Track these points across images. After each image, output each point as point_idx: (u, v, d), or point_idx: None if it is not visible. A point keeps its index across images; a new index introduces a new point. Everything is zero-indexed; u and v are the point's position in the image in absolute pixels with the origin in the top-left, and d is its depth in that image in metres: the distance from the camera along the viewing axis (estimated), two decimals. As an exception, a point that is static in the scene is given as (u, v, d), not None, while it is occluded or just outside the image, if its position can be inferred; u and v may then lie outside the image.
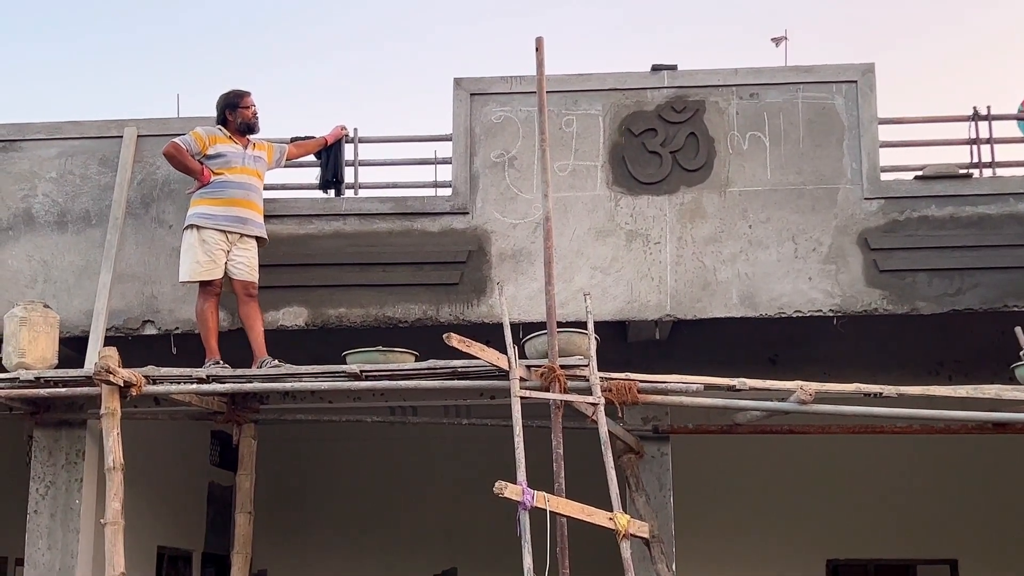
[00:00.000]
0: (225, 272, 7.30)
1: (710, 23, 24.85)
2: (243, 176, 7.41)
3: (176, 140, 7.34)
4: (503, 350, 6.24)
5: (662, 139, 7.66)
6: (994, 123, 8.01)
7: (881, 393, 6.54)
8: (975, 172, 7.87)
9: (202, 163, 7.34)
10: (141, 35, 26.24)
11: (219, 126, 7.48)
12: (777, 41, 8.65)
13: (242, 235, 7.33)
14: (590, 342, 6.50)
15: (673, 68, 7.78)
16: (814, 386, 6.48)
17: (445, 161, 7.97)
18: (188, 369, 6.94)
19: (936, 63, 25.49)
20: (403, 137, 8.31)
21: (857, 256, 7.48)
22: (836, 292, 7.45)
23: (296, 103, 25.27)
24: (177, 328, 7.69)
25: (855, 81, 7.66)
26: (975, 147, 7.99)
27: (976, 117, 7.97)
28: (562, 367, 6.37)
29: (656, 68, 7.78)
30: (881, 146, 7.65)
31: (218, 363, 7.12)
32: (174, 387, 6.90)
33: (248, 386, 6.95)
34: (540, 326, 6.66)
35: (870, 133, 7.59)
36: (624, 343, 7.98)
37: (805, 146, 7.61)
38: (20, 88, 26.40)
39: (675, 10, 25.28)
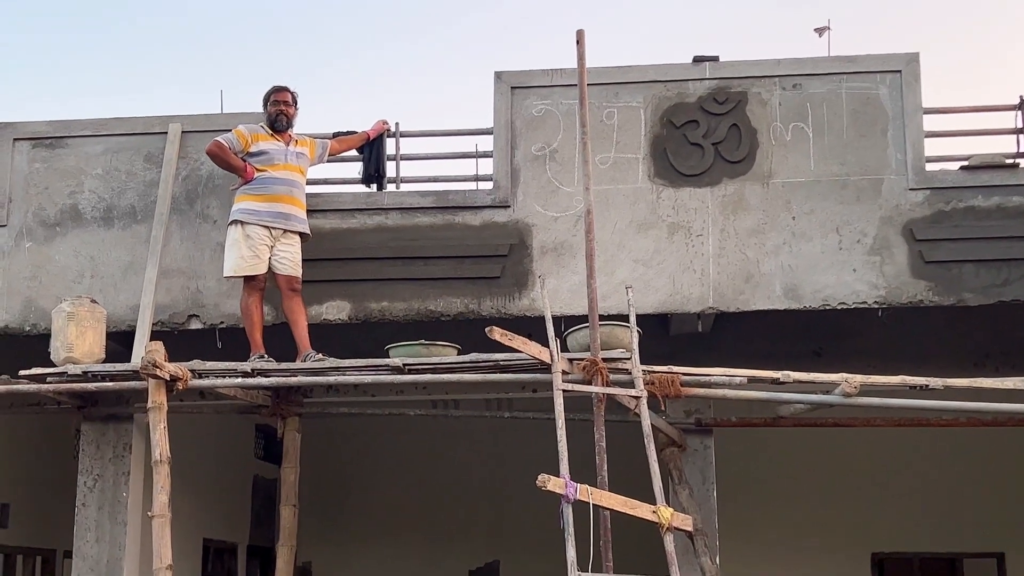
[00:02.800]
0: (269, 267, 7.35)
1: (752, 14, 24.68)
2: (286, 172, 7.47)
3: (219, 138, 7.40)
4: (545, 343, 6.24)
5: (704, 131, 7.62)
6: (1041, 112, 7.90)
7: (927, 385, 6.48)
8: (1022, 162, 7.77)
9: (245, 160, 7.40)
10: (184, 30, 26.44)
11: (261, 124, 7.55)
12: (820, 31, 8.56)
13: (285, 231, 7.39)
14: (632, 335, 6.49)
15: (715, 59, 7.74)
16: (859, 379, 6.43)
17: (486, 155, 7.98)
18: (233, 363, 6.99)
19: (982, 51, 25.18)
20: (444, 131, 8.31)
21: (902, 247, 7.41)
22: (881, 284, 7.38)
23: (338, 98, 25.38)
24: (222, 322, 7.76)
25: (899, 71, 7.58)
26: (1022, 136, 7.88)
27: (1022, 106, 7.86)
28: (604, 360, 6.36)
29: (698, 59, 7.74)
30: (926, 136, 7.57)
31: (263, 357, 7.17)
32: (219, 381, 6.96)
33: (292, 380, 6.99)
34: (582, 319, 6.66)
35: (915, 123, 7.51)
36: (666, 336, 7.95)
37: (849, 136, 7.55)
38: (66, 85, 26.70)
39: (717, 1, 25.13)
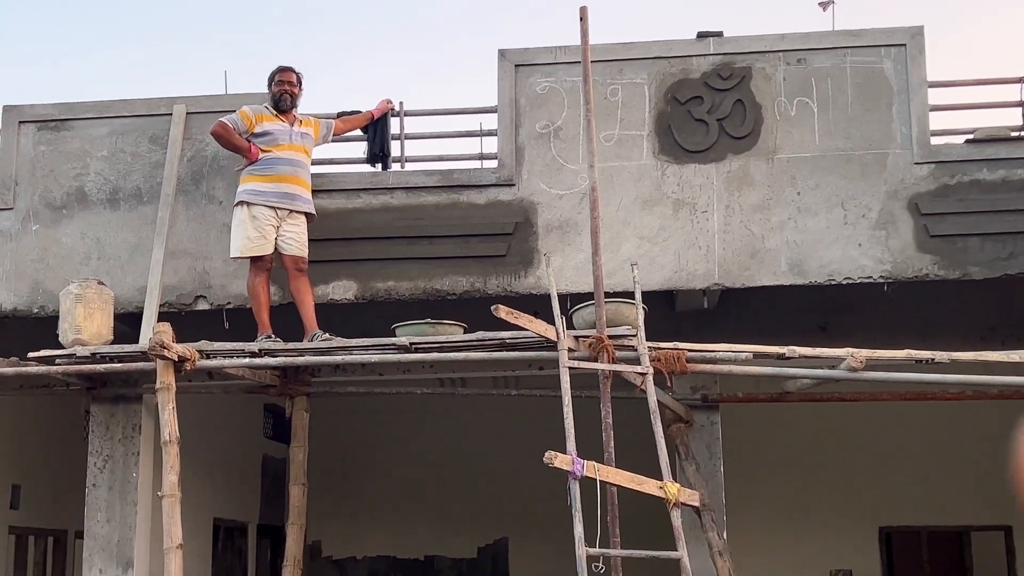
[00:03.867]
0: (275, 247, 7.37)
1: (756, -12, 24.55)
2: (291, 153, 7.48)
3: (223, 119, 7.41)
4: (551, 321, 6.25)
5: (708, 107, 7.61)
6: (1046, 85, 7.87)
7: (933, 359, 6.49)
8: (1027, 135, 7.75)
9: (249, 141, 7.41)
10: (189, 11, 26.38)
11: (266, 105, 7.56)
12: (824, 5, 8.53)
13: (291, 211, 7.40)
14: (638, 312, 6.50)
15: (719, 35, 7.72)
16: (865, 353, 6.44)
17: (491, 133, 7.97)
18: (241, 343, 7.02)
19: (987, 24, 25.04)
20: (448, 110, 8.31)
21: (907, 221, 7.40)
22: (886, 258, 7.38)
23: (342, 77, 25.34)
24: (229, 303, 7.78)
25: (904, 44, 7.56)
26: (1027, 109, 7.86)
27: (1028, 79, 7.84)
28: (610, 337, 6.38)
29: (702, 35, 7.73)
30: (931, 109, 7.56)
31: (270, 337, 7.20)
32: (227, 361, 6.98)
33: (299, 359, 7.02)
34: (587, 297, 6.67)
35: (919, 97, 7.49)
36: (672, 313, 7.96)
37: (854, 111, 7.54)
38: (69, 68, 26.68)
39: (720, -24, 25.00)
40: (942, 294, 7.75)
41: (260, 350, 6.98)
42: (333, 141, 7.99)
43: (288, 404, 7.77)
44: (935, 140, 7.56)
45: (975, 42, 23.69)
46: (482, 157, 8.13)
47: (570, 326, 6.60)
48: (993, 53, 23.55)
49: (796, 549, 11.40)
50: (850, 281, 7.40)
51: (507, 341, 6.59)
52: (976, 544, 11.92)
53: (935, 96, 7.65)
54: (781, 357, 6.55)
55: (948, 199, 7.42)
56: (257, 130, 7.46)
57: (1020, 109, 7.88)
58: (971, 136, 7.58)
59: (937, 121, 7.68)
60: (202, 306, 7.82)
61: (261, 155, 7.41)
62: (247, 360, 6.98)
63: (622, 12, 23.19)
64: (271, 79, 7.60)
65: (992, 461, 11.39)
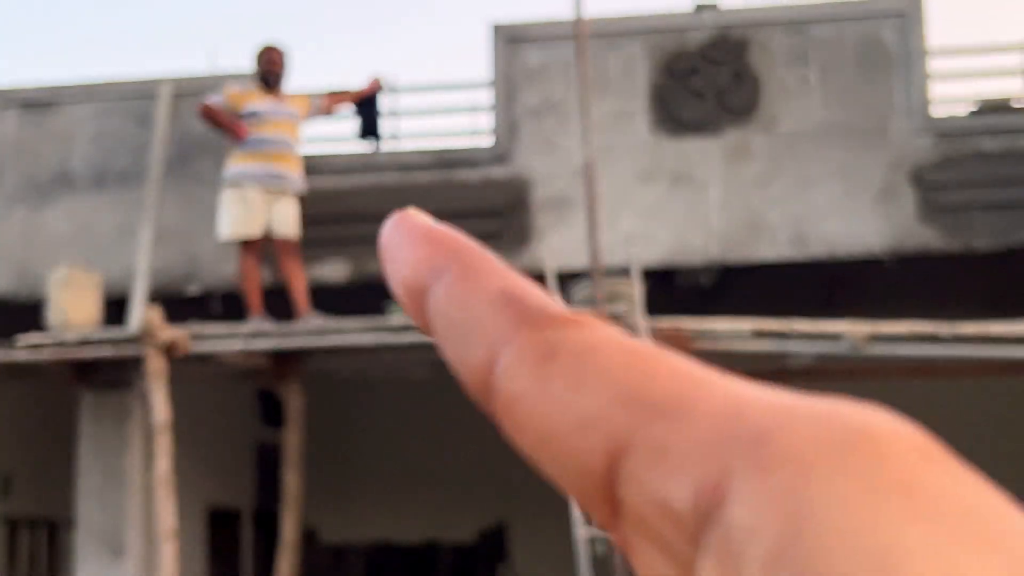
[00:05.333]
0: (266, 229, 7.24)
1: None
2: (278, 132, 7.35)
3: (208, 100, 7.27)
4: (548, 299, 6.14)
5: (706, 79, 7.49)
6: (1049, 52, 7.78)
7: (937, 333, 6.39)
8: (1031, 104, 7.66)
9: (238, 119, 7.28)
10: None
11: (252, 84, 7.43)
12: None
13: (281, 191, 7.27)
14: (636, 289, 6.39)
15: (714, 7, 7.60)
16: (867, 328, 6.34)
17: (484, 110, 7.85)
18: (232, 326, 6.91)
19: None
20: (441, 85, 8.18)
21: (909, 193, 7.30)
22: (888, 231, 7.28)
23: (333, 54, 25.18)
24: (220, 286, 7.66)
25: (903, 13, 7.45)
26: (1030, 78, 7.77)
27: (1031, 46, 7.75)
28: (608, 315, 6.26)
29: (699, 7, 7.60)
30: (932, 79, 7.44)
31: (262, 320, 7.08)
32: (218, 345, 6.87)
33: (292, 342, 6.91)
34: (584, 274, 6.56)
35: (920, 66, 7.39)
36: (671, 289, 7.85)
37: (853, 82, 7.42)
38: (55, 50, 26.51)
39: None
40: (945, 267, 7.66)
41: (252, 333, 6.86)
42: (323, 119, 7.86)
43: (282, 388, 7.66)
44: (937, 110, 7.45)
45: (978, 7, 23.57)
46: (476, 134, 8.02)
47: (567, 304, 6.49)
48: (997, 18, 23.44)
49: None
50: (851, 255, 7.30)
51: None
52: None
53: (936, 65, 7.54)
54: (782, 334, 6.45)
55: (950, 170, 7.32)
56: (244, 111, 7.32)
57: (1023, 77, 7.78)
58: (974, 106, 7.48)
59: (939, 90, 7.59)
60: (192, 289, 7.70)
61: (249, 135, 7.28)
62: (239, 343, 6.86)
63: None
64: (256, 55, 7.47)
65: (999, 438, 11.39)
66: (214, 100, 7.27)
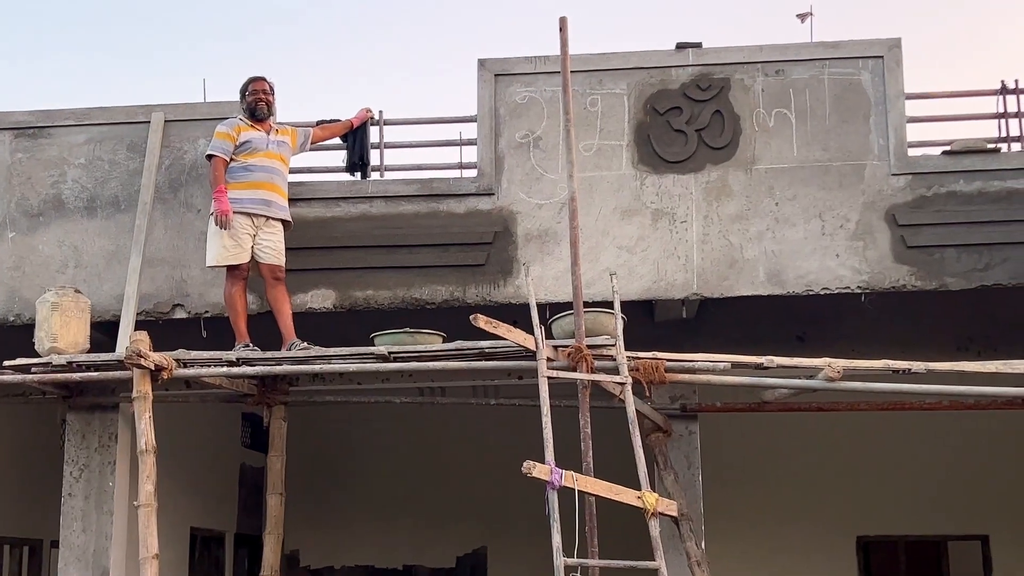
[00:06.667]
0: (252, 256, 7.34)
1: (734, 0, 24.67)
2: (267, 160, 7.46)
3: (216, 152, 7.34)
4: (530, 331, 6.25)
5: (687, 117, 7.63)
6: (1022, 96, 7.93)
7: (910, 369, 6.52)
8: (1003, 146, 7.81)
9: (233, 158, 7.37)
10: (167, 20, 26.32)
11: (239, 116, 7.53)
12: (802, 17, 8.59)
13: (268, 218, 7.38)
14: (617, 321, 6.51)
15: (697, 46, 7.75)
16: (842, 363, 6.46)
17: (470, 142, 7.98)
18: (218, 352, 6.99)
19: (964, 36, 25.23)
20: (428, 119, 8.31)
21: (885, 232, 7.44)
22: (864, 269, 7.41)
23: (321, 86, 25.31)
24: (207, 312, 7.75)
25: (881, 56, 7.60)
26: (1003, 121, 7.92)
27: (1004, 91, 7.90)
28: (589, 347, 6.38)
29: (680, 46, 7.75)
30: (908, 121, 7.60)
31: (248, 346, 7.17)
32: (204, 370, 6.95)
33: (278, 368, 7.00)
34: (567, 306, 6.67)
35: (897, 108, 7.53)
36: (651, 322, 7.97)
37: (831, 122, 7.57)
38: (48, 75, 26.56)
39: (700, -13, 25.13)
40: (919, 305, 7.79)
41: (238, 359, 6.95)
42: (312, 149, 7.98)
43: (266, 413, 7.75)
44: (912, 151, 7.60)
45: (954, 53, 23.86)
46: (462, 166, 8.14)
47: (549, 336, 6.61)
48: (971, 64, 23.73)
49: (774, 559, 11.42)
50: (828, 291, 7.43)
51: (486, 351, 6.59)
52: (953, 553, 11.97)
53: (912, 108, 7.70)
54: (759, 367, 6.57)
55: (925, 210, 7.46)
56: (239, 139, 7.43)
57: (997, 121, 7.94)
58: (948, 147, 7.63)
59: (914, 132, 7.74)
60: (179, 315, 7.79)
61: (239, 162, 7.38)
62: (224, 369, 6.95)
63: (601, 23, 23.26)
64: (244, 90, 7.57)
65: (969, 471, 11.52)
66: (220, 150, 7.35)
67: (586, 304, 6.55)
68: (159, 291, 7.78)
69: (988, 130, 8.01)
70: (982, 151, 7.58)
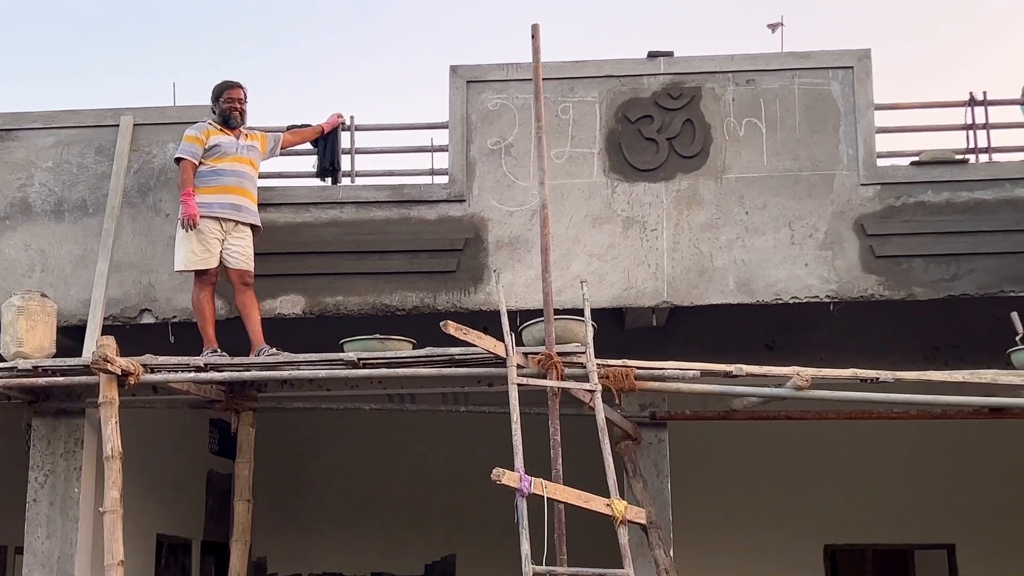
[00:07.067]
0: (221, 261, 7.30)
1: (706, 9, 24.81)
2: (236, 165, 7.43)
3: (186, 155, 7.30)
4: (500, 338, 6.25)
5: (658, 126, 7.66)
6: (990, 108, 8.00)
7: (878, 378, 6.55)
8: (971, 158, 7.87)
9: (202, 162, 7.33)
10: (137, 22, 26.20)
11: (209, 121, 7.50)
12: (773, 27, 8.63)
13: (237, 223, 7.34)
14: (587, 329, 6.51)
15: (669, 55, 7.78)
16: (810, 372, 6.49)
17: (442, 149, 7.97)
18: (186, 357, 6.95)
19: (934, 48, 25.47)
20: (399, 125, 8.30)
21: (853, 242, 7.49)
22: (833, 278, 7.46)
23: (292, 91, 25.24)
24: (175, 317, 7.70)
25: (851, 67, 7.66)
26: (971, 132, 7.99)
27: (972, 103, 7.97)
28: (559, 354, 6.38)
29: (652, 55, 7.78)
30: (877, 132, 7.66)
31: (216, 351, 7.13)
32: (172, 375, 6.90)
33: (246, 374, 6.95)
34: (537, 313, 6.67)
35: (866, 119, 7.59)
36: (621, 330, 7.99)
37: (801, 132, 7.61)
38: (16, 77, 26.36)
39: (672, -4, 25.25)
40: (887, 314, 7.84)
41: (205, 364, 6.91)
42: (282, 154, 7.95)
43: (234, 419, 7.70)
44: (881, 162, 7.66)
45: (923, 65, 24.08)
46: (433, 173, 8.13)
47: (519, 343, 6.60)
48: (940, 75, 23.95)
49: (742, 566, 11.44)
50: (797, 300, 7.47)
51: (456, 357, 6.57)
52: (919, 562, 12.04)
53: (882, 118, 7.76)
54: (728, 375, 6.59)
55: (893, 220, 7.51)
56: (209, 143, 7.40)
57: (965, 132, 8.01)
58: (916, 158, 7.69)
59: (883, 143, 7.79)
60: (147, 320, 7.74)
61: (208, 166, 7.35)
62: (192, 375, 6.90)
63: (574, 31, 23.32)
64: (217, 95, 7.54)
65: (936, 480, 11.59)
66: (190, 153, 7.31)
67: (557, 311, 6.55)
68: (127, 296, 7.73)
69: (956, 141, 8.07)
70: (950, 162, 7.65)
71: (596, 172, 7.66)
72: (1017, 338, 6.90)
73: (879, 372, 6.57)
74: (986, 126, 7.98)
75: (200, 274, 7.30)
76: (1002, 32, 24.90)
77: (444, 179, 7.84)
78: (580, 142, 7.69)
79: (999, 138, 8.09)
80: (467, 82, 7.79)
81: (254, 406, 7.74)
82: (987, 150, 7.95)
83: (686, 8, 25.05)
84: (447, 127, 7.82)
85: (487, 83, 7.80)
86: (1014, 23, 24.80)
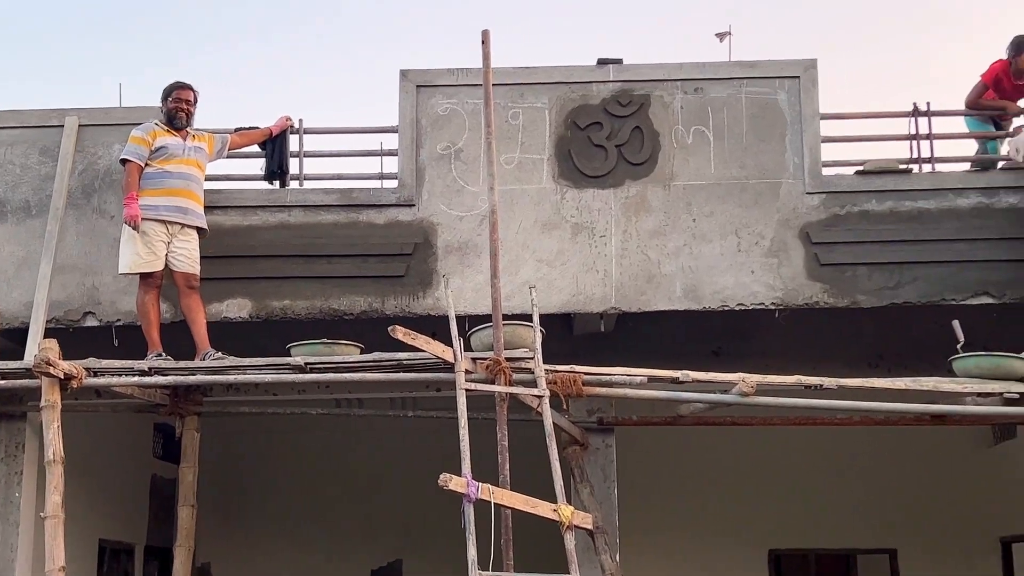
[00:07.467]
0: (166, 264, 7.24)
1: (656, 17, 24.97)
2: (183, 167, 7.37)
3: (132, 157, 7.23)
4: (449, 343, 6.24)
5: (607, 133, 7.70)
6: (934, 119, 8.13)
7: (822, 385, 6.62)
8: (915, 167, 7.98)
9: (148, 164, 7.26)
10: (84, 24, 25.89)
11: (156, 121, 7.43)
12: (721, 36, 8.71)
13: (183, 226, 7.28)
14: (535, 335, 6.52)
15: (618, 62, 7.82)
16: (755, 378, 6.54)
17: (391, 153, 7.96)
18: (130, 361, 6.87)
19: (878, 60, 25.81)
20: (349, 128, 8.27)
21: (799, 250, 7.56)
22: (778, 285, 7.53)
23: (242, 94, 25.07)
24: (119, 320, 7.62)
25: (798, 77, 7.74)
26: (915, 143, 8.10)
27: (916, 113, 8.09)
28: (507, 360, 6.38)
29: (602, 62, 7.82)
30: (823, 141, 7.75)
31: (160, 355, 7.06)
32: (115, 379, 6.83)
33: (191, 379, 6.89)
34: (486, 319, 6.68)
35: (812, 128, 7.67)
36: (569, 336, 8.01)
37: (748, 140, 7.68)
38: (-42, 75, 25.95)
39: (621, 4, 25.38)
40: (831, 321, 7.92)
41: (150, 368, 6.84)
42: (229, 157, 7.89)
43: (178, 423, 7.63)
44: (826, 171, 7.75)
45: (868, 75, 24.39)
46: (382, 177, 8.11)
47: (468, 348, 6.60)
48: (885, 85, 24.26)
49: (688, 571, 11.50)
50: (743, 307, 7.53)
51: (404, 362, 6.55)
52: (862, 566, 12.18)
53: (827, 128, 7.85)
54: (675, 381, 6.63)
55: (838, 229, 7.60)
56: (155, 144, 7.33)
57: (909, 142, 8.12)
58: (861, 167, 7.78)
59: (829, 152, 7.89)
60: (91, 323, 7.65)
61: (154, 168, 7.28)
62: (136, 379, 6.83)
63: (525, 38, 23.38)
64: (167, 94, 7.48)
65: (879, 485, 11.73)
66: (135, 155, 7.24)
67: (505, 317, 6.56)
68: (70, 298, 7.63)
69: (900, 151, 8.19)
70: (894, 171, 7.76)
71: (545, 178, 7.68)
72: (958, 346, 7.00)
73: (823, 379, 6.64)
74: (929, 136, 8.10)
75: (145, 277, 7.23)
76: (946, 44, 25.30)
77: (393, 183, 7.82)
78: (530, 148, 7.71)
79: (942, 148, 8.24)
80: (417, 86, 7.78)
81: (199, 410, 7.68)
82: (930, 160, 8.07)
83: (636, 17, 25.20)
84: (397, 131, 7.80)
85: (437, 88, 7.80)
86: (958, 36, 25.21)
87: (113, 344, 7.58)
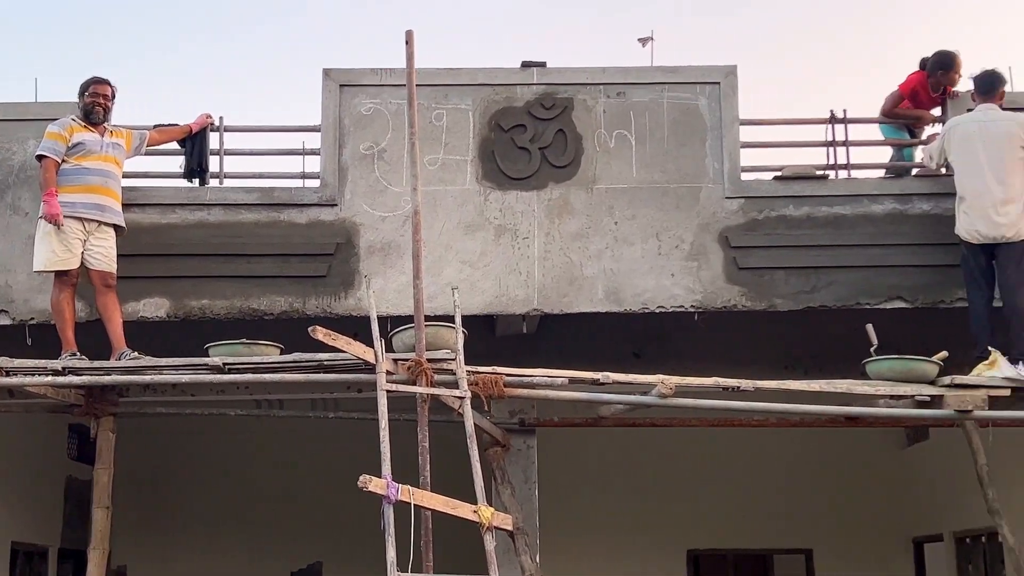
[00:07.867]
0: (82, 262, 7.11)
1: (579, 21, 25.10)
2: (101, 163, 7.25)
3: (48, 153, 7.10)
4: (370, 344, 6.22)
5: (531, 135, 7.72)
6: (850, 126, 8.27)
7: (739, 387, 6.70)
8: (831, 173, 8.12)
9: (65, 160, 7.14)
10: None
11: (73, 116, 7.30)
12: (644, 41, 8.79)
13: (100, 223, 7.16)
14: (457, 336, 6.52)
15: (542, 65, 7.85)
16: (675, 380, 6.61)
17: (314, 152, 7.90)
18: (43, 361, 6.74)
19: (796, 67, 26.22)
20: (270, 127, 8.21)
21: (718, 253, 7.65)
22: (697, 288, 7.61)
23: (160, 90, 24.73)
24: (32, 318, 7.47)
25: (718, 83, 7.83)
26: (832, 149, 8.24)
27: (833, 120, 8.22)
28: (429, 361, 6.37)
29: (526, 64, 7.84)
30: (742, 146, 7.84)
31: (75, 355, 6.94)
32: (28, 379, 6.69)
33: (106, 379, 6.78)
34: (408, 320, 6.66)
35: (732, 134, 7.77)
36: (492, 337, 8.02)
37: (669, 145, 7.76)
38: None
39: (545, 6, 25.47)
40: (749, 325, 8.02)
41: (64, 368, 6.72)
42: (148, 154, 7.78)
43: (93, 424, 7.49)
44: (746, 176, 7.85)
45: (786, 82, 24.76)
46: (304, 176, 8.05)
47: (390, 349, 6.58)
48: (803, 92, 24.65)
49: (608, 572, 11.60)
50: (663, 310, 7.60)
51: (325, 363, 6.51)
52: (779, 566, 12.38)
53: (747, 133, 7.95)
54: (596, 383, 6.67)
55: (756, 233, 7.70)
56: (72, 140, 7.20)
57: (825, 149, 8.25)
58: (779, 173, 7.90)
59: (748, 157, 7.99)
60: (3, 321, 7.49)
61: (71, 164, 7.15)
62: (50, 379, 6.70)
63: (450, 41, 23.35)
64: (83, 89, 7.35)
65: (795, 487, 11.92)
66: (52, 151, 7.11)
67: (428, 318, 6.55)
68: (-18, 296, 7.46)
69: (817, 157, 8.32)
70: (811, 177, 7.87)
71: (469, 179, 7.68)
72: (872, 349, 7.14)
73: (740, 381, 6.72)
74: (846, 143, 8.24)
75: (60, 275, 7.10)
76: (862, 52, 25.78)
77: (316, 183, 7.77)
78: (453, 149, 7.71)
79: (858, 155, 8.40)
80: (340, 86, 7.74)
81: (115, 411, 7.53)
82: (846, 166, 8.22)
83: (561, 21, 25.31)
84: (319, 131, 7.75)
85: (361, 87, 7.76)
86: (873, 44, 25.70)
87: (26, 343, 7.43)
